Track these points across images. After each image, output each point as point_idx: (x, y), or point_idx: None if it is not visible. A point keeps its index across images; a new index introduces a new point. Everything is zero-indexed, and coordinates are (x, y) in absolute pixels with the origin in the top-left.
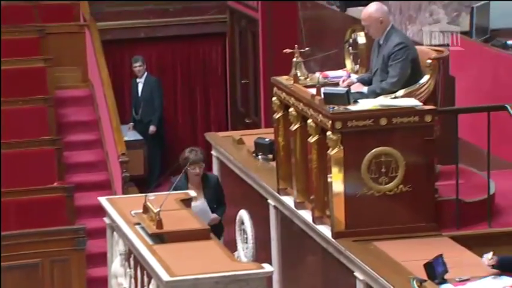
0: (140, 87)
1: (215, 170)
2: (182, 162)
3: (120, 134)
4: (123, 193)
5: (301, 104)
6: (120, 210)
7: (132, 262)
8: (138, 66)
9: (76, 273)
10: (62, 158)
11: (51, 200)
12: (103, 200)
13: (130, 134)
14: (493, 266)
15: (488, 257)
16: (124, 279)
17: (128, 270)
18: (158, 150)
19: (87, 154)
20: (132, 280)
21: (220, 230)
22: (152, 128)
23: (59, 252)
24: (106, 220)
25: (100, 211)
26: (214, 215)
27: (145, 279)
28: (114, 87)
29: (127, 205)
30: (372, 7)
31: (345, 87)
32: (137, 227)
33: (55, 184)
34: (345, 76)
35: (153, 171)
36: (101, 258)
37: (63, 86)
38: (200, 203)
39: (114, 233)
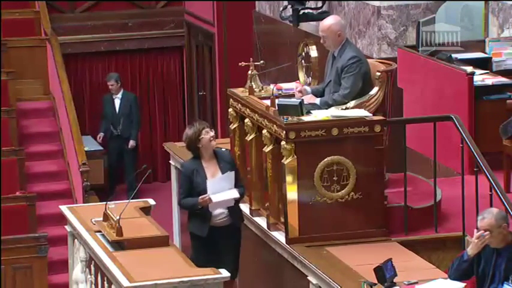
0: (117, 102)
1: (173, 179)
2: (191, 140)
3: (80, 144)
4: (84, 202)
5: (256, 115)
6: (81, 218)
7: (92, 269)
8: (110, 84)
9: (38, 279)
10: (24, 168)
11: (14, 209)
12: (64, 209)
13: (91, 144)
14: None
15: None
16: (85, 286)
17: (89, 276)
18: (132, 163)
19: (48, 164)
20: (93, 286)
21: (238, 214)
22: (132, 143)
23: (21, 259)
24: (67, 228)
25: (61, 219)
26: (235, 191)
27: (106, 285)
28: (74, 100)
29: (88, 213)
30: (332, 20)
31: (298, 92)
32: (98, 234)
33: (17, 193)
34: (299, 87)
35: (131, 181)
36: (62, 265)
37: (25, 98)
38: (218, 178)
39: (75, 240)
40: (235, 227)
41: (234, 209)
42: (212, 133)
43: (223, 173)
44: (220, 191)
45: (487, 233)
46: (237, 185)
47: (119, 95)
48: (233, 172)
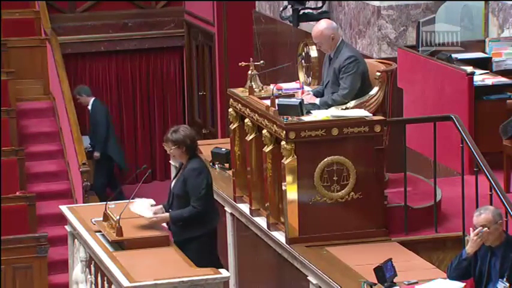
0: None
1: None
2: None
3: (80, 144)
4: (84, 202)
5: (257, 115)
6: (81, 218)
7: (92, 269)
8: (77, 99)
9: (38, 279)
10: (24, 168)
11: (14, 209)
12: (64, 209)
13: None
14: None
15: None
16: (85, 286)
17: (89, 276)
18: (104, 174)
19: (48, 164)
20: (93, 286)
21: (180, 230)
22: (96, 154)
23: (21, 259)
24: (67, 228)
25: (61, 219)
26: (161, 213)
27: (106, 285)
28: (74, 100)
29: (88, 213)
30: (322, 25)
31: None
32: (98, 234)
33: (17, 193)
34: (302, 89)
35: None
36: (63, 265)
37: (25, 98)
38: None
39: (75, 240)
40: (173, 239)
41: (176, 226)
42: (167, 150)
43: (177, 181)
44: (141, 206)
45: (485, 229)
46: (189, 203)
47: (89, 106)
48: (146, 200)
